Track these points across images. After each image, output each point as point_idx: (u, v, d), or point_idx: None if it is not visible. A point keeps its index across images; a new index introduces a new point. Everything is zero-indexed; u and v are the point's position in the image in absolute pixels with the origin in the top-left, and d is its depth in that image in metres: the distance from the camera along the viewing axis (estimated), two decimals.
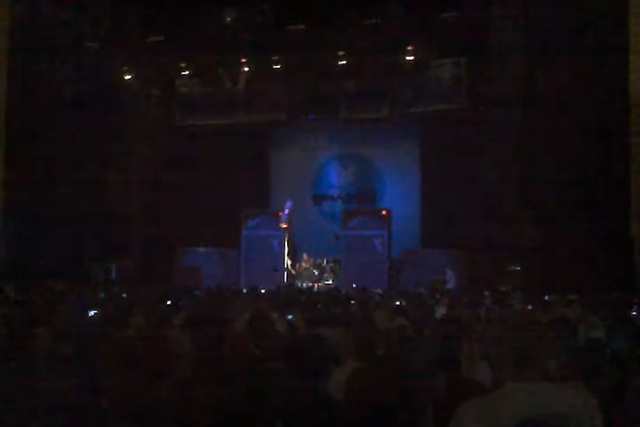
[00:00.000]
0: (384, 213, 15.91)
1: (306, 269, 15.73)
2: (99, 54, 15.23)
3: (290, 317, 5.83)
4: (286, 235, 15.98)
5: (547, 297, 9.32)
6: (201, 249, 16.63)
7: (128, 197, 16.26)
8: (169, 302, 7.79)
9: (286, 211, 15.95)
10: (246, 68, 16.33)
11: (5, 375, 2.68)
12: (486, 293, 10.28)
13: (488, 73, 14.50)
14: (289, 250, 16.00)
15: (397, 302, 8.41)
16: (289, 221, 15.94)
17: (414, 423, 2.60)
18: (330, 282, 15.46)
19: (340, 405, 2.55)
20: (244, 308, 7.15)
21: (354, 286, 13.21)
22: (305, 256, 15.79)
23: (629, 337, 4.45)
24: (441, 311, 7.30)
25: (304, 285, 15.20)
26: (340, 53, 15.69)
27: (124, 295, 9.85)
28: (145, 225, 16.39)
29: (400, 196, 17.23)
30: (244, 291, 11.85)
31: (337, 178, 18.20)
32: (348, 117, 16.70)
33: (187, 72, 16.63)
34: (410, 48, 15.26)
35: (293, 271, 15.80)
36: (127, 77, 16.23)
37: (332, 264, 15.82)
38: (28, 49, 13.66)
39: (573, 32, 12.28)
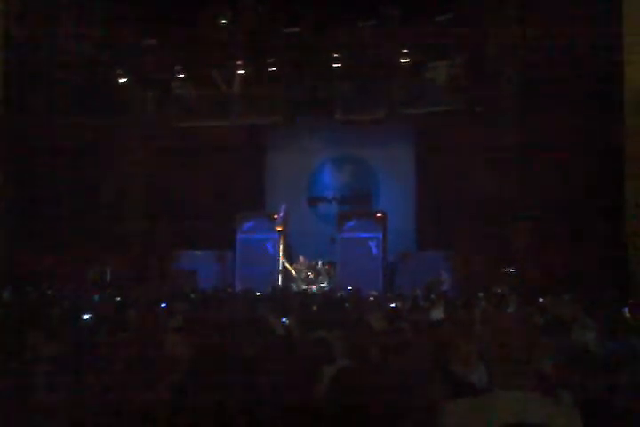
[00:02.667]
0: (379, 215, 15.91)
1: (301, 271, 15.71)
2: (94, 58, 15.20)
3: (284, 320, 5.83)
4: (281, 237, 15.97)
5: (541, 299, 9.33)
6: (196, 252, 16.61)
7: (123, 200, 16.23)
8: (164, 305, 7.78)
9: (281, 213, 15.94)
10: (241, 71, 16.31)
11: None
12: (481, 294, 10.29)
13: (484, 74, 14.53)
14: (284, 252, 15.99)
15: (393, 305, 8.42)
16: (284, 224, 15.92)
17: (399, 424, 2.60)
18: (325, 284, 15.45)
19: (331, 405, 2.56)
20: (240, 310, 7.15)
21: (349, 288, 13.21)
22: (301, 259, 15.77)
23: (623, 338, 4.46)
24: (436, 313, 7.31)
25: (299, 287, 15.18)
26: (336, 55, 15.69)
27: (119, 298, 9.83)
28: (140, 227, 16.36)
29: (396, 198, 17.23)
30: (240, 293, 11.84)
31: (332, 180, 18.20)
32: (343, 119, 16.69)
33: (182, 75, 16.61)
34: (405, 50, 15.27)
35: (289, 274, 15.77)
36: (122, 80, 16.21)
37: (326, 266, 15.80)
38: (24, 52, 13.64)
39: (570, 32, 12.32)
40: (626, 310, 7.28)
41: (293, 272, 15.58)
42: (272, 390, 2.68)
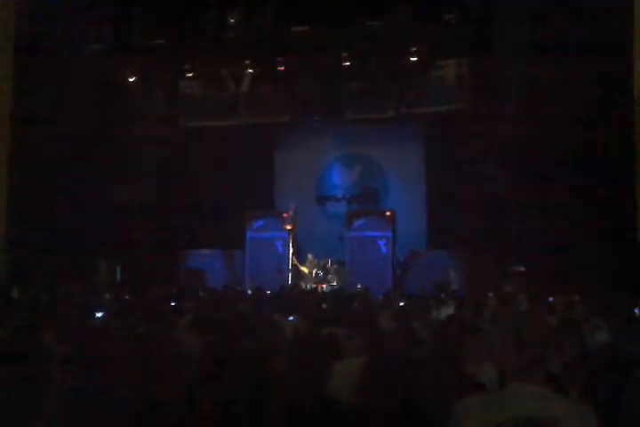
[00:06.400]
0: (388, 213, 15.90)
1: (310, 270, 15.74)
2: (102, 57, 15.26)
3: (291, 318, 5.83)
4: (290, 236, 16.00)
5: (551, 298, 9.29)
6: (205, 251, 16.65)
7: (131, 199, 16.27)
8: (174, 304, 7.81)
9: (290, 212, 15.97)
10: (249, 70, 16.33)
11: (7, 377, 2.69)
12: (490, 294, 10.26)
13: (492, 73, 14.49)
14: (293, 251, 16.02)
15: (402, 303, 8.42)
16: (293, 223, 15.95)
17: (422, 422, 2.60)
18: (335, 283, 15.47)
19: (339, 403, 2.56)
20: (249, 309, 7.17)
21: (358, 286, 13.22)
22: (309, 257, 15.80)
23: (635, 338, 4.44)
24: (446, 312, 7.30)
25: (309, 286, 15.21)
26: (344, 54, 15.69)
27: (129, 297, 9.87)
28: (149, 226, 16.41)
29: (405, 196, 17.22)
30: (249, 292, 11.87)
31: (341, 179, 18.20)
32: (352, 118, 16.68)
33: (190, 74, 16.65)
34: (413, 49, 15.25)
35: (298, 273, 15.80)
36: (131, 80, 16.26)
37: (336, 265, 15.81)
38: (32, 53, 13.71)
39: (576, 31, 12.26)
40: (637, 310, 7.25)
41: (305, 270, 15.60)
42: (281, 388, 2.68)
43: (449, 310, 7.45)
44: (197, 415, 2.52)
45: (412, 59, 15.33)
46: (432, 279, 13.65)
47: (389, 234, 15.58)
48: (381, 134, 17.06)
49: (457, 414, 2.02)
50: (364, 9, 14.68)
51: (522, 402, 1.95)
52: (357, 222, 15.93)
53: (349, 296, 10.29)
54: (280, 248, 16.02)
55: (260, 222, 16.37)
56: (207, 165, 16.71)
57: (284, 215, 16.04)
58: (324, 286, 15.29)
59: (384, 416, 2.41)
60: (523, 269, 13.33)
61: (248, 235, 16.33)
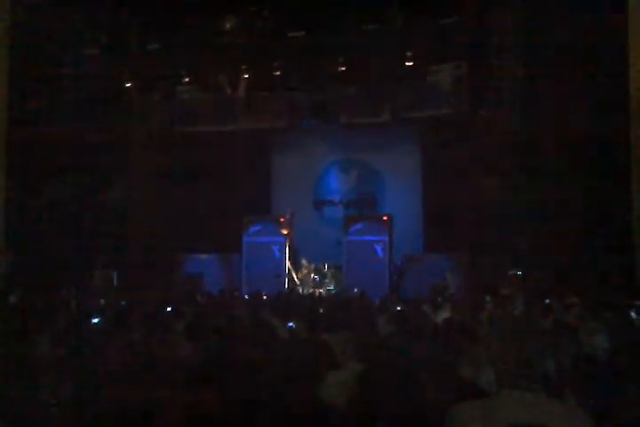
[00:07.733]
0: (385, 218, 15.92)
1: (307, 274, 15.72)
2: (98, 62, 15.26)
3: (290, 324, 5.83)
4: (287, 241, 15.99)
5: (547, 301, 9.30)
6: (202, 256, 16.63)
7: (128, 204, 16.26)
8: (170, 309, 7.79)
9: (287, 217, 15.97)
10: (246, 75, 16.35)
11: (6, 381, 2.69)
12: (487, 297, 10.26)
13: (488, 77, 14.53)
14: (290, 256, 16.00)
15: (398, 308, 8.41)
16: (290, 227, 15.95)
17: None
18: (331, 288, 15.46)
19: (334, 409, 2.56)
20: (246, 314, 7.16)
21: (355, 291, 13.21)
22: (304, 262, 15.78)
23: (630, 341, 4.44)
24: (443, 316, 7.29)
25: (306, 290, 15.19)
26: (340, 59, 15.72)
27: (125, 302, 9.85)
28: (146, 231, 16.38)
29: (401, 200, 17.24)
30: (246, 297, 11.87)
31: (338, 183, 18.21)
32: (348, 123, 16.71)
33: (187, 79, 16.66)
34: (409, 53, 15.29)
35: (295, 277, 15.79)
36: (127, 85, 16.26)
37: (332, 270, 15.81)
38: (28, 58, 13.71)
39: (572, 34, 12.31)
40: (634, 312, 7.26)
41: (295, 278, 15.58)
42: (273, 394, 2.68)
43: (446, 314, 7.44)
44: (193, 418, 2.52)
45: (407, 63, 15.35)
46: (429, 283, 13.63)
47: (386, 238, 15.58)
48: (378, 139, 17.08)
49: (452, 420, 2.00)
50: (360, 14, 14.72)
51: (517, 409, 1.94)
52: (354, 227, 15.94)
53: (347, 301, 10.28)
54: (277, 253, 16.01)
55: (257, 227, 16.36)
56: (204, 170, 16.69)
57: (281, 220, 16.03)
58: (321, 290, 15.27)
59: (380, 421, 2.40)
60: (520, 272, 13.34)
61: (245, 239, 16.31)
